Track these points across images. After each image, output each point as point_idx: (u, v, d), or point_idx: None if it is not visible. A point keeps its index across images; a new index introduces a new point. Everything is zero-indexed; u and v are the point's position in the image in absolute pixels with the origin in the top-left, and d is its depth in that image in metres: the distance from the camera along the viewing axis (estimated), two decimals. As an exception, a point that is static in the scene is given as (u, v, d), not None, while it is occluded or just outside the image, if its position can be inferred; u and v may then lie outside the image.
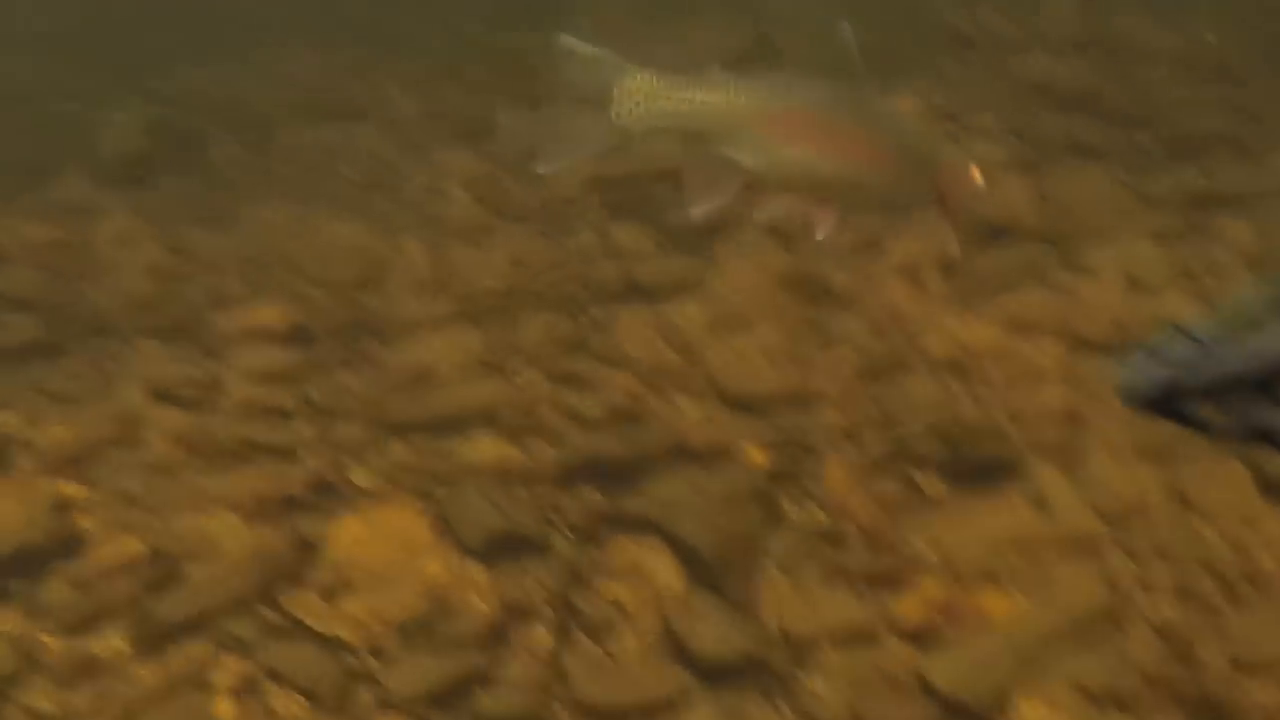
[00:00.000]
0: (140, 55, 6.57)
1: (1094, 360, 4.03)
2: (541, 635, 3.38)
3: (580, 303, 4.63)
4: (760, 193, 2.08)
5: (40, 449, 3.90)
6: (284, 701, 3.15)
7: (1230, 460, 3.62)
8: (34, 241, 5.09)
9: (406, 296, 4.73)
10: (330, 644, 3.29)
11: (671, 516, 3.65)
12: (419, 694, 3.20)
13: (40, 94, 6.35)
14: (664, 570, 3.55)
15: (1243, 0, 6.35)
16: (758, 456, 3.90)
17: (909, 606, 3.45)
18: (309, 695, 3.16)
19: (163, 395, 4.13)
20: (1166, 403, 1.22)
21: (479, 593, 3.45)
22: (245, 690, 3.16)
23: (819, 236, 2.06)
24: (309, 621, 3.33)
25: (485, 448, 3.94)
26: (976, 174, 2.14)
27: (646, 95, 2.02)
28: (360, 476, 3.83)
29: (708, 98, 2.02)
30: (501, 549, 3.58)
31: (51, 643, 3.28)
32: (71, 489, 3.70)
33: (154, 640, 3.27)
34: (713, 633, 3.38)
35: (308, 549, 3.56)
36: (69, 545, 3.52)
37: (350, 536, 3.60)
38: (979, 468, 3.83)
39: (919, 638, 3.38)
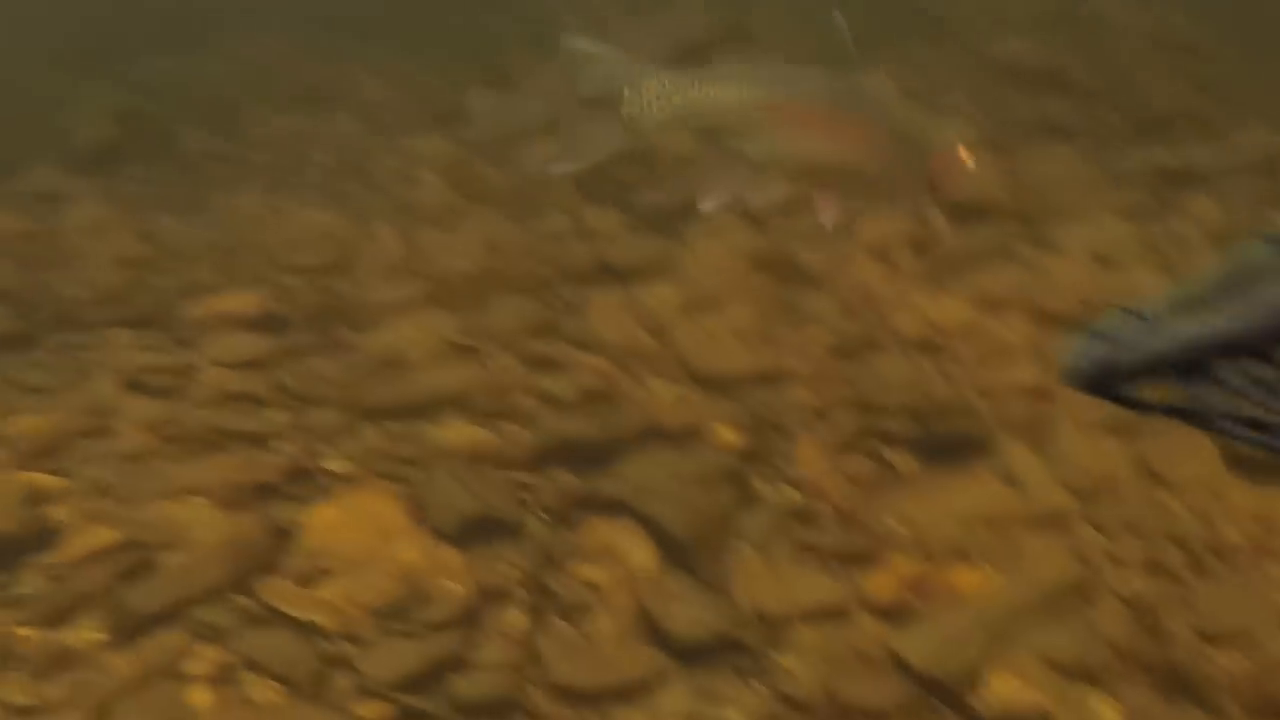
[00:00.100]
0: (110, 43, 6.53)
1: (1062, 337, 4.07)
2: (516, 618, 3.39)
3: (552, 285, 4.63)
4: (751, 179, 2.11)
5: (12, 440, 3.87)
6: (260, 689, 3.15)
7: (1197, 434, 3.66)
8: (3, 232, 5.05)
9: (378, 281, 4.72)
10: (306, 630, 3.29)
11: (644, 497, 3.67)
12: (395, 679, 3.21)
13: (9, 83, 6.30)
14: (637, 551, 3.57)
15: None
16: (730, 436, 3.92)
17: (881, 583, 3.48)
18: (285, 682, 3.16)
19: (135, 384, 4.11)
20: (1105, 383, 1.24)
21: (453, 576, 3.46)
22: (221, 679, 3.16)
23: (824, 222, 2.10)
24: (284, 608, 3.32)
25: (458, 431, 3.95)
26: (967, 157, 2.18)
27: (659, 94, 2.04)
28: (334, 462, 3.83)
29: (719, 94, 2.04)
30: (475, 532, 3.59)
31: (26, 634, 3.27)
32: (44, 480, 3.68)
33: (129, 630, 3.25)
34: (686, 613, 3.40)
35: (282, 536, 3.55)
36: (42, 536, 3.50)
37: (325, 523, 3.59)
38: (950, 445, 3.86)
39: (891, 614, 3.41)
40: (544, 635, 3.37)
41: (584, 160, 2.10)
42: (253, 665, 3.19)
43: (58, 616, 3.28)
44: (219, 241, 5.02)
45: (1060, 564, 3.47)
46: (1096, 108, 5.51)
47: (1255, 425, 1.20)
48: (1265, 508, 3.50)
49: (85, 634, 3.25)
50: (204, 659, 3.20)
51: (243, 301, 4.54)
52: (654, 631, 3.38)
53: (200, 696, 3.11)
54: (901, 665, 3.26)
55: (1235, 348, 1.24)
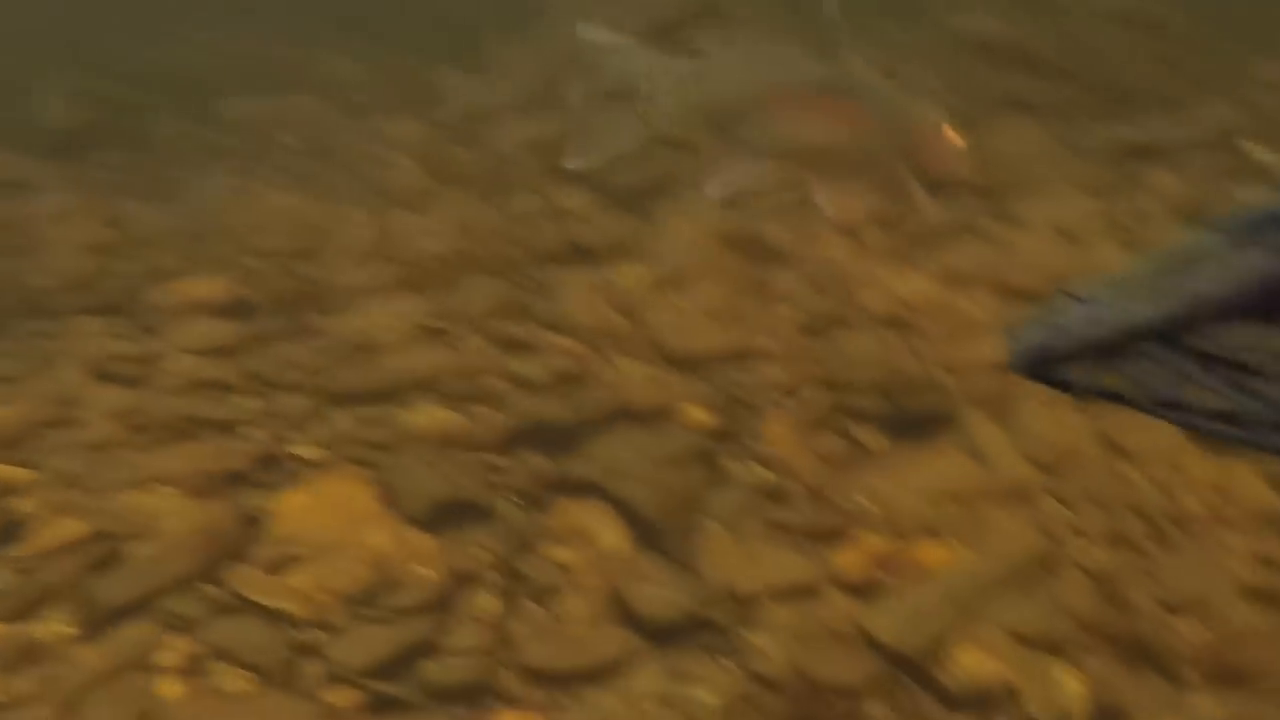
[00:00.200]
0: (77, 28, 6.47)
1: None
2: (487, 601, 3.40)
3: (523, 267, 4.63)
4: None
5: (-22, 432, 3.87)
6: (231, 679, 3.15)
7: (1159, 406, 3.69)
8: (-32, 220, 5.02)
9: (348, 265, 4.71)
10: (276, 618, 3.29)
11: (615, 478, 3.68)
12: (366, 665, 3.22)
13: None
14: (608, 532, 3.59)
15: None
16: (700, 416, 3.93)
17: (850, 560, 3.51)
18: (256, 671, 3.17)
19: (102, 373, 4.10)
20: (1042, 367, 1.26)
21: (424, 561, 3.47)
22: (192, 669, 3.16)
23: (821, 204, 2.12)
24: (254, 597, 3.33)
25: (429, 415, 3.95)
26: (953, 136, 2.20)
27: (674, 84, 2.04)
28: (303, 448, 3.83)
29: (728, 82, 2.06)
30: (446, 516, 3.60)
31: (-6, 628, 3.27)
32: (10, 472, 3.66)
33: (98, 622, 3.25)
34: (657, 593, 3.42)
35: (252, 524, 3.55)
36: (9, 529, 3.49)
37: (294, 509, 3.60)
38: (918, 421, 3.89)
39: (860, 590, 3.44)
40: (515, 618, 3.38)
41: (602, 154, 2.09)
42: (222, 655, 3.19)
43: (26, 609, 3.27)
44: (187, 227, 5.00)
45: (1025, 537, 3.50)
46: (1063, 85, 5.52)
47: (1173, 405, 1.22)
48: (1223, 478, 3.53)
49: (54, 627, 3.25)
50: (174, 650, 3.20)
51: (211, 287, 4.53)
52: (625, 612, 3.39)
53: (170, 688, 3.12)
54: (871, 641, 3.29)
55: (1164, 334, 1.26)
